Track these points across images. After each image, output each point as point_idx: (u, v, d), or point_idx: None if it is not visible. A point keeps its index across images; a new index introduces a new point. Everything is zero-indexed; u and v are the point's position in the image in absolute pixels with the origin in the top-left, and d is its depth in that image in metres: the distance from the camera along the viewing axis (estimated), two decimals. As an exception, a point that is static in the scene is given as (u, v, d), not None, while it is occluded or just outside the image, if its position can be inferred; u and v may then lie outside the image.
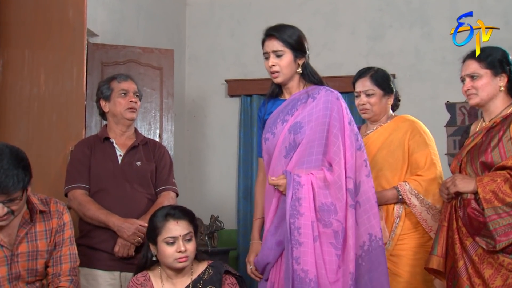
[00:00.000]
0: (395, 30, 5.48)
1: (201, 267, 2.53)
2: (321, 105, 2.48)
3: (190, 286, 2.48)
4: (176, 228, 2.43)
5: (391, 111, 2.94)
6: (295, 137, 2.47)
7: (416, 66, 5.44)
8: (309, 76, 2.58)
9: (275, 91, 2.65)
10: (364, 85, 2.87)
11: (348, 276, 2.33)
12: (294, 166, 2.45)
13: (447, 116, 5.24)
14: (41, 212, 2.39)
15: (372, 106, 2.86)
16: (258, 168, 2.75)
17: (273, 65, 2.51)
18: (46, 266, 2.42)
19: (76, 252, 2.49)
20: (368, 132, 2.92)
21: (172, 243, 2.42)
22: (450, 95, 5.22)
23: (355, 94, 2.92)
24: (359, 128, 2.95)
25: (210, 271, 2.52)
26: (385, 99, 2.89)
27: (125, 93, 3.00)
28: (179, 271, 2.48)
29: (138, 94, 3.06)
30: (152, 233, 2.48)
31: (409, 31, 5.45)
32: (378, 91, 2.86)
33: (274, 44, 2.51)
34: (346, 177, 2.40)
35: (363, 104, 2.87)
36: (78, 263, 2.49)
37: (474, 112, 5.15)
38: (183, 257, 2.42)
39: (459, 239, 2.40)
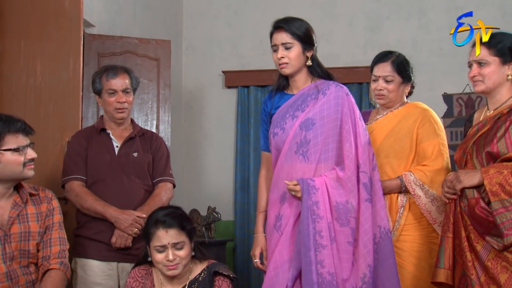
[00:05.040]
0: (392, 21, 5.46)
1: (200, 267, 2.51)
2: (332, 101, 2.51)
3: (186, 286, 2.47)
4: (165, 237, 2.40)
5: (405, 98, 2.87)
6: (306, 134, 2.48)
7: (414, 58, 5.31)
8: (317, 69, 2.60)
9: (282, 84, 2.64)
10: (384, 70, 2.79)
11: (367, 269, 2.37)
12: (317, 164, 2.46)
13: (444, 107, 5.24)
14: (31, 195, 2.48)
15: (389, 92, 2.79)
16: (261, 162, 2.72)
17: (282, 57, 2.52)
18: (38, 250, 2.46)
19: (65, 236, 2.55)
20: (378, 117, 2.85)
21: (162, 251, 2.40)
22: (447, 87, 5.22)
23: (373, 78, 2.83)
24: (369, 113, 2.97)
25: (205, 272, 2.49)
26: (403, 87, 2.82)
27: (113, 93, 2.94)
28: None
29: (128, 90, 2.97)
30: (145, 237, 2.48)
31: (406, 22, 5.43)
32: (397, 78, 2.79)
33: (283, 37, 2.52)
34: (359, 172, 2.44)
35: (381, 90, 2.79)
36: (67, 246, 2.55)
37: (471, 104, 5.15)
38: (172, 266, 2.40)
39: (469, 246, 2.33)
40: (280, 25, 2.53)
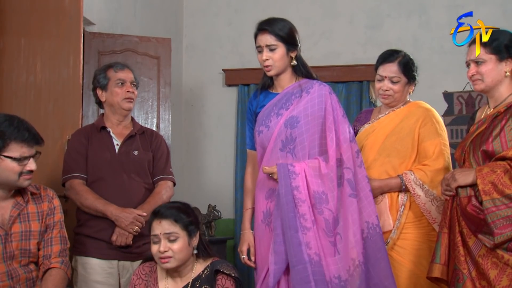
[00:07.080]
0: (393, 19, 5.46)
1: (203, 265, 2.51)
2: (316, 99, 2.55)
3: (189, 284, 2.47)
4: (158, 227, 2.40)
5: (407, 97, 2.87)
6: (292, 131, 2.52)
7: (414, 55, 5.32)
8: (301, 69, 2.63)
9: (267, 83, 2.69)
10: (391, 70, 2.78)
11: (350, 262, 2.39)
12: (295, 160, 2.50)
13: (444, 105, 5.23)
14: (32, 194, 2.47)
15: (395, 93, 2.78)
16: (247, 160, 2.77)
17: (267, 59, 2.55)
18: (38, 249, 2.46)
19: (66, 235, 2.55)
20: (380, 116, 2.86)
21: (156, 242, 2.40)
22: (448, 85, 5.22)
23: (378, 78, 2.82)
24: (371, 111, 2.98)
25: (208, 269, 2.49)
26: (408, 86, 2.82)
27: (122, 83, 2.99)
28: (176, 268, 2.45)
29: (135, 83, 3.04)
30: (148, 230, 2.48)
31: (407, 20, 5.43)
32: (403, 79, 2.79)
33: (267, 38, 2.55)
34: (343, 168, 2.48)
35: (386, 90, 2.79)
36: (68, 245, 2.56)
37: (472, 102, 5.15)
38: (164, 258, 2.38)
39: (462, 240, 2.34)
40: (264, 27, 2.57)
